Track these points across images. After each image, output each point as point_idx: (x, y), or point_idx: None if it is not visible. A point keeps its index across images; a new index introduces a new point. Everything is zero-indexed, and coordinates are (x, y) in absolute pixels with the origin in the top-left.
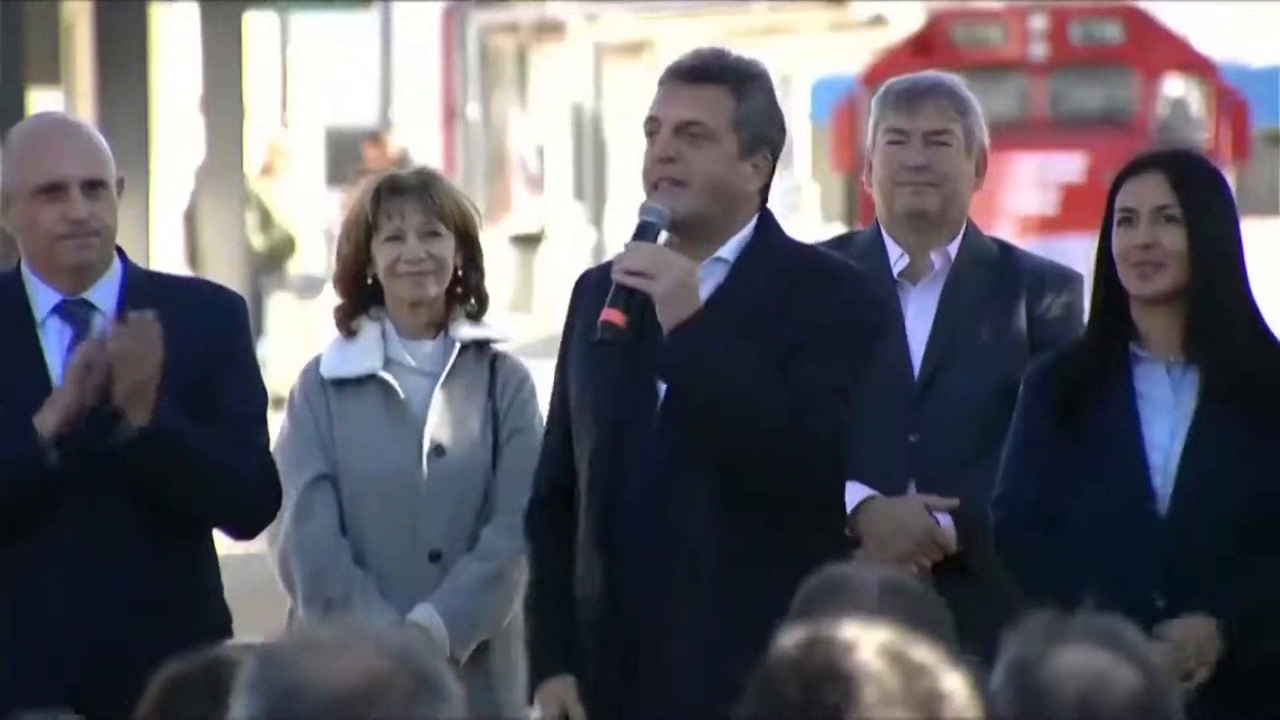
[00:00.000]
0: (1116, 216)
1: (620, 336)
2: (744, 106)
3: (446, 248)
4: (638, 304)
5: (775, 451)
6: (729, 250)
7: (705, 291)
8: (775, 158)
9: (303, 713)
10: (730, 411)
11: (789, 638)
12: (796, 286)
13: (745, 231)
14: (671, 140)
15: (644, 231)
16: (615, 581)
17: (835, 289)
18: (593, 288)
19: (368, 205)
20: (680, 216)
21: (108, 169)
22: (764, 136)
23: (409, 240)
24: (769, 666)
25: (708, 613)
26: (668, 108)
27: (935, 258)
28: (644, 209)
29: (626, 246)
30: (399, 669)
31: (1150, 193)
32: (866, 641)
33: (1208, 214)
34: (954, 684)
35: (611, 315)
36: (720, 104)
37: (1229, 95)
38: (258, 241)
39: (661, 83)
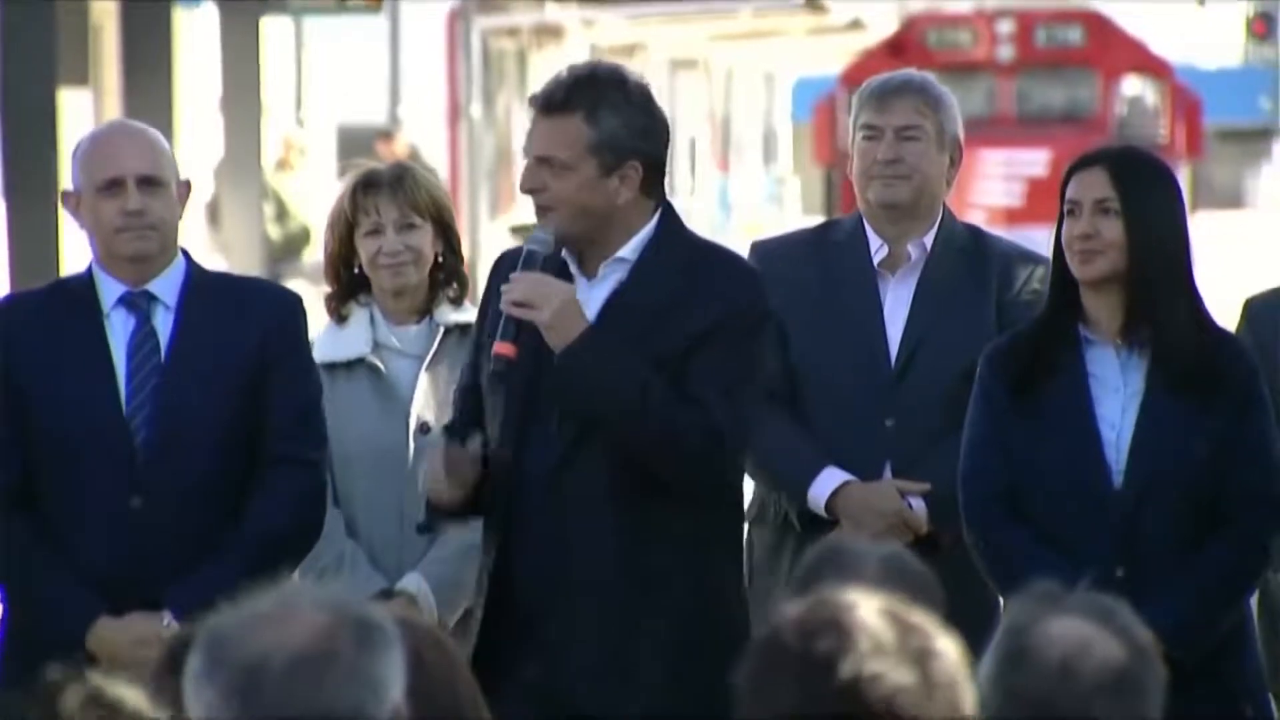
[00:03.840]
0: (1065, 208)
1: (512, 367)
2: (599, 130)
3: (424, 238)
4: (529, 331)
5: (663, 457)
6: (630, 249)
7: (606, 289)
8: (651, 162)
9: (269, 683)
10: (617, 423)
11: (796, 602)
12: (688, 284)
13: (647, 229)
14: (535, 171)
15: (530, 260)
16: (511, 556)
17: (722, 287)
18: (507, 268)
19: (347, 202)
20: (560, 238)
21: (165, 168)
22: (627, 150)
23: (387, 234)
24: (774, 621)
25: (600, 595)
26: (531, 140)
27: (912, 249)
28: (530, 238)
29: (512, 277)
30: (340, 620)
31: (1092, 187)
32: (866, 602)
33: (1145, 206)
34: (946, 646)
35: (502, 348)
36: (573, 134)
37: (1184, 95)
38: (274, 232)
39: (529, 109)
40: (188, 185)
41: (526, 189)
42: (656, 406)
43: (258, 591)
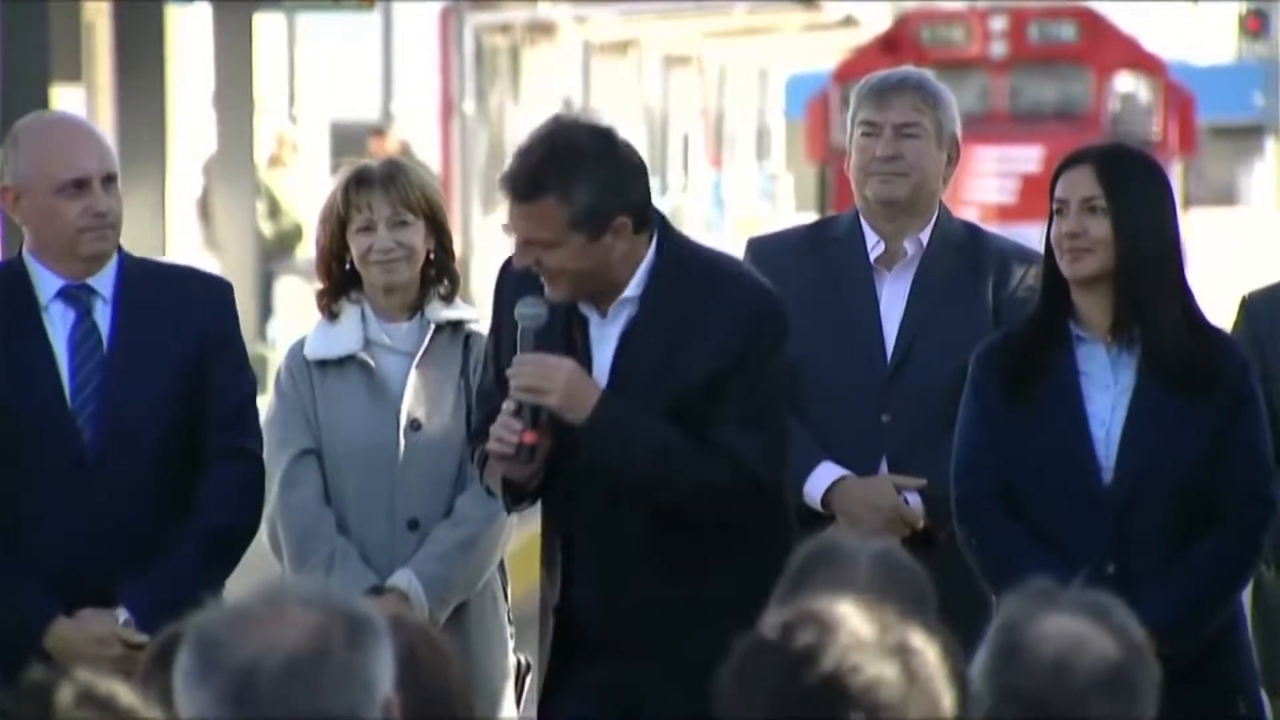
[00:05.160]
0: (1054, 206)
1: (538, 452)
2: (575, 206)
3: (415, 235)
4: (546, 413)
5: (698, 503)
6: (635, 285)
7: (619, 326)
8: (638, 206)
9: (264, 687)
10: (649, 483)
11: (779, 610)
12: (699, 311)
13: (648, 261)
14: (526, 251)
15: (524, 339)
16: (571, 593)
17: (735, 310)
18: (511, 281)
19: (339, 198)
20: (565, 300)
21: (116, 163)
22: (611, 210)
23: (379, 230)
24: (759, 623)
25: (656, 632)
26: (513, 223)
27: (908, 245)
28: (520, 314)
29: (515, 361)
30: (333, 617)
31: (1079, 185)
32: (846, 603)
33: (1133, 204)
34: (926, 645)
35: (528, 437)
36: (551, 216)
37: (1177, 91)
38: (267, 229)
39: (501, 192)
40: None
41: (521, 265)
42: (681, 461)
43: (225, 586)
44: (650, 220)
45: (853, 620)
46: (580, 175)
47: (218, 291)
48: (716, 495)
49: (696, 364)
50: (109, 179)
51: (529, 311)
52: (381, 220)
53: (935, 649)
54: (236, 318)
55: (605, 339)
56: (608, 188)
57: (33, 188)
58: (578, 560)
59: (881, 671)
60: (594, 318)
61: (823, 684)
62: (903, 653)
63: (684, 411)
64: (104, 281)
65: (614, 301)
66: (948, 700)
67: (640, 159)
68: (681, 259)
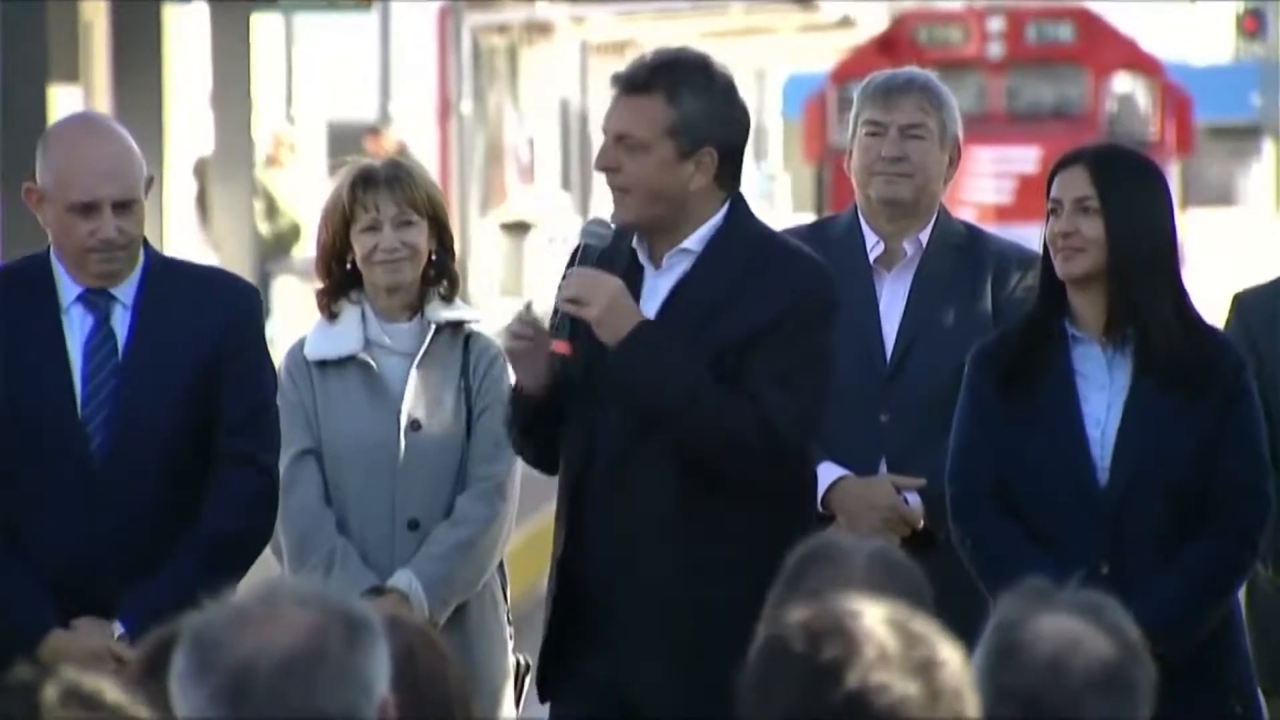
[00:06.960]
0: (1049, 207)
1: (570, 365)
2: (680, 112)
3: (420, 235)
4: (584, 328)
5: (719, 449)
6: (695, 241)
7: (671, 280)
8: (728, 151)
9: (259, 686)
10: (669, 417)
11: (800, 605)
12: (752, 277)
13: (714, 221)
14: (612, 150)
15: (586, 255)
16: (578, 547)
17: (786, 278)
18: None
19: (344, 196)
20: (627, 224)
21: (138, 183)
22: (706, 135)
23: (384, 230)
24: (778, 625)
25: (665, 585)
26: (609, 118)
27: (908, 245)
28: (584, 230)
29: (568, 273)
30: (329, 617)
31: (1072, 185)
32: (872, 610)
33: (1125, 204)
34: (950, 655)
35: (559, 346)
36: (654, 114)
37: (1174, 92)
38: (264, 228)
39: (611, 89)
40: (150, 179)
41: (601, 167)
42: (708, 401)
43: (227, 590)
44: (732, 182)
45: (879, 632)
46: (694, 87)
47: (239, 295)
48: (738, 446)
49: (738, 326)
50: (123, 204)
51: (594, 229)
52: (387, 220)
53: (959, 656)
54: (258, 323)
55: (655, 292)
56: (714, 112)
57: (51, 197)
58: (589, 515)
59: (906, 691)
60: (649, 271)
61: (847, 701)
62: (928, 669)
63: (720, 372)
64: (126, 289)
65: (671, 250)
66: (972, 708)
67: (750, 118)
68: (746, 230)
